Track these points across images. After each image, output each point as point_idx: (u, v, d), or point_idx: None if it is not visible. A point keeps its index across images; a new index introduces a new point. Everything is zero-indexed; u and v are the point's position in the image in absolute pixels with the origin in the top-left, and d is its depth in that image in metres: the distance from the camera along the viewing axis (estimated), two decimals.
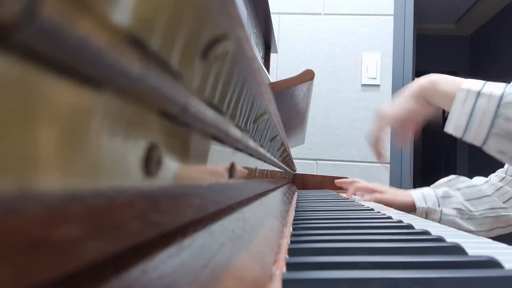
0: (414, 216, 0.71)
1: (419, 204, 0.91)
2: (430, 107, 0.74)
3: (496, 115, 0.61)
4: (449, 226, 0.89)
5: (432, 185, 0.99)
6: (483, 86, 0.64)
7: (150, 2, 0.10)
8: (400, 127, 0.79)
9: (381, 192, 0.95)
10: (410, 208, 0.92)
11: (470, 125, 0.63)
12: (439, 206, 0.91)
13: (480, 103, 0.62)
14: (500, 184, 0.91)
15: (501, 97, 0.61)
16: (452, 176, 0.98)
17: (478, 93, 0.63)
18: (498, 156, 0.65)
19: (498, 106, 0.61)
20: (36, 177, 0.07)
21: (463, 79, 0.68)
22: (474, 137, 0.64)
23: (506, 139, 0.61)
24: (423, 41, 3.26)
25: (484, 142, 0.63)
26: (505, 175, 0.92)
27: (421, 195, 0.93)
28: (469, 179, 0.96)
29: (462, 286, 0.23)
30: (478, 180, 0.95)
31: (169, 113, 0.13)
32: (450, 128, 0.67)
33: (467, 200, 0.89)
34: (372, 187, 0.97)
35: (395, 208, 0.91)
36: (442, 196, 0.91)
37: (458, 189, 0.92)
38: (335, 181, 1.09)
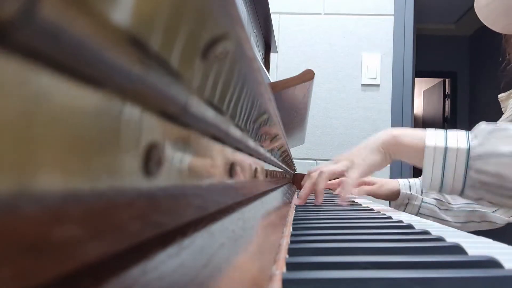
0: (415, 216, 0.71)
1: (403, 190, 0.95)
2: (391, 160, 0.73)
3: (467, 168, 0.62)
4: (427, 214, 0.92)
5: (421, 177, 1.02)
6: (447, 140, 0.64)
7: (150, 1, 0.10)
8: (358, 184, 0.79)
9: (369, 183, 0.97)
10: (395, 195, 0.96)
11: (445, 181, 0.65)
12: (421, 195, 0.95)
13: (449, 160, 0.64)
14: None
15: (468, 151, 0.62)
16: None
17: (445, 149, 0.64)
18: (477, 202, 0.66)
19: (468, 159, 0.62)
20: (35, 177, 0.07)
21: (422, 131, 0.68)
22: (451, 191, 0.65)
23: (481, 189, 0.62)
24: (423, 41, 3.26)
25: (462, 193, 0.64)
26: None
27: (407, 183, 0.97)
28: None
29: (462, 286, 0.23)
30: None
31: (169, 112, 0.13)
32: (426, 187, 0.67)
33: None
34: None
35: (381, 198, 0.97)
36: None
37: None
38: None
